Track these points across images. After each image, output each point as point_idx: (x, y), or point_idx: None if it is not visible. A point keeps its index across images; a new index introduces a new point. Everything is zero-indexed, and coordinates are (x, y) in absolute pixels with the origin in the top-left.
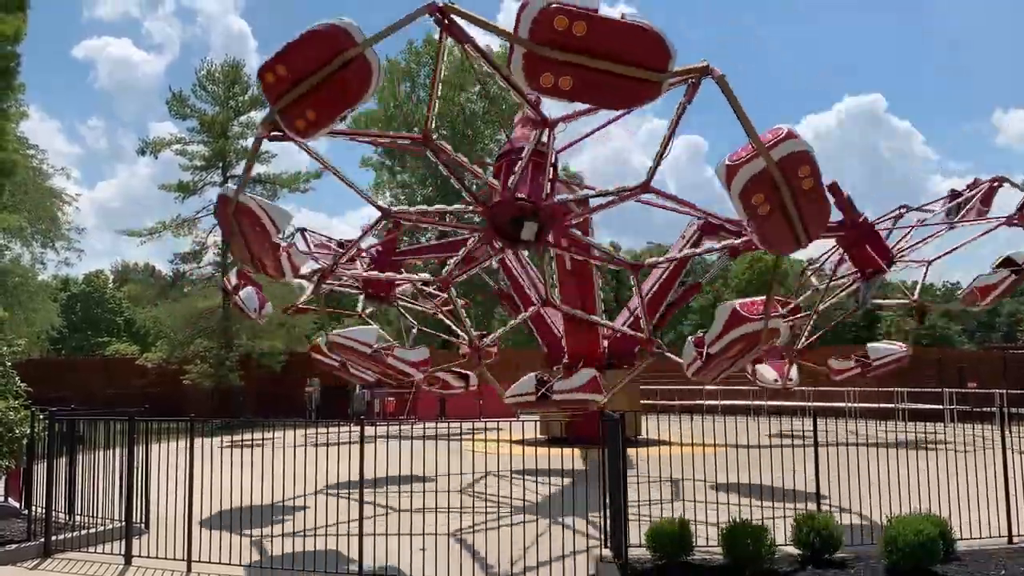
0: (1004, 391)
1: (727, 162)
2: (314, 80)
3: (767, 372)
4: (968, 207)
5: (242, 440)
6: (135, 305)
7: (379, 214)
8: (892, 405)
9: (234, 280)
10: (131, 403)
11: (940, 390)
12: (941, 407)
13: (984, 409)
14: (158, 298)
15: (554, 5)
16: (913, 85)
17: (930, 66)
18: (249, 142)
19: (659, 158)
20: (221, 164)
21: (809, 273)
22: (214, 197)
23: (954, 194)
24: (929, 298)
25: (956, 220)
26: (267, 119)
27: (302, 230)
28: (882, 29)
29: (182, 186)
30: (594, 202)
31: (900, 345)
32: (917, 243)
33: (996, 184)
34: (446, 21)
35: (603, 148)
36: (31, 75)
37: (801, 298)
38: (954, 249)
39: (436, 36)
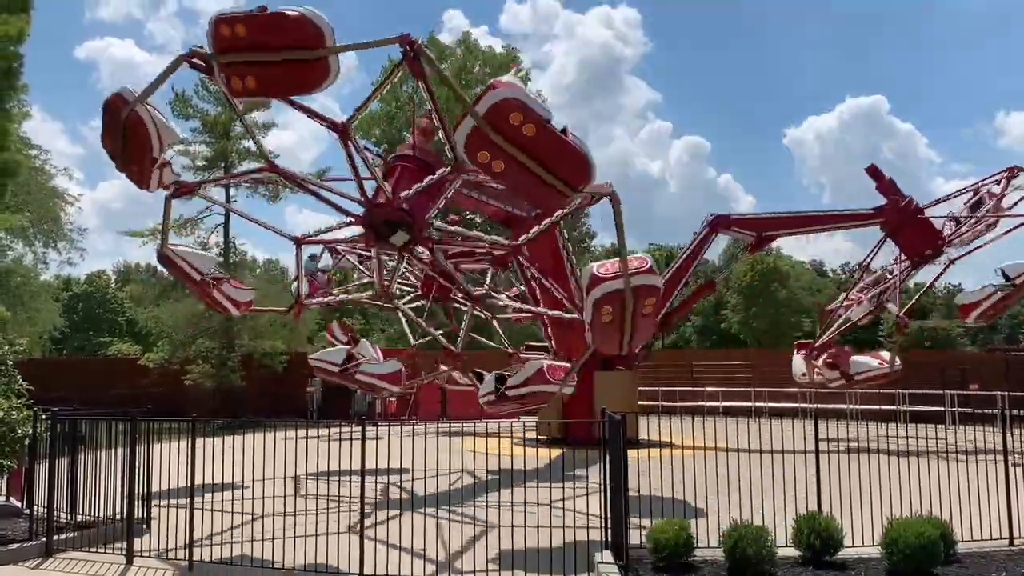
0: (1006, 393)
1: (594, 272)
2: (269, 57)
3: (798, 366)
4: (992, 203)
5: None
6: (137, 305)
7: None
8: (894, 407)
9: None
10: (133, 403)
11: (942, 392)
12: (943, 409)
13: (985, 411)
14: (159, 298)
15: (515, 100)
16: (916, 87)
17: (933, 68)
18: (251, 143)
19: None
20: (223, 164)
21: (857, 275)
22: (216, 197)
23: (976, 191)
24: (929, 300)
25: (983, 215)
26: (195, 53)
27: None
28: (885, 30)
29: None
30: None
31: (882, 362)
32: (976, 225)
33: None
34: (412, 55)
35: (606, 151)
36: (34, 76)
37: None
38: (975, 248)
39: (439, 37)
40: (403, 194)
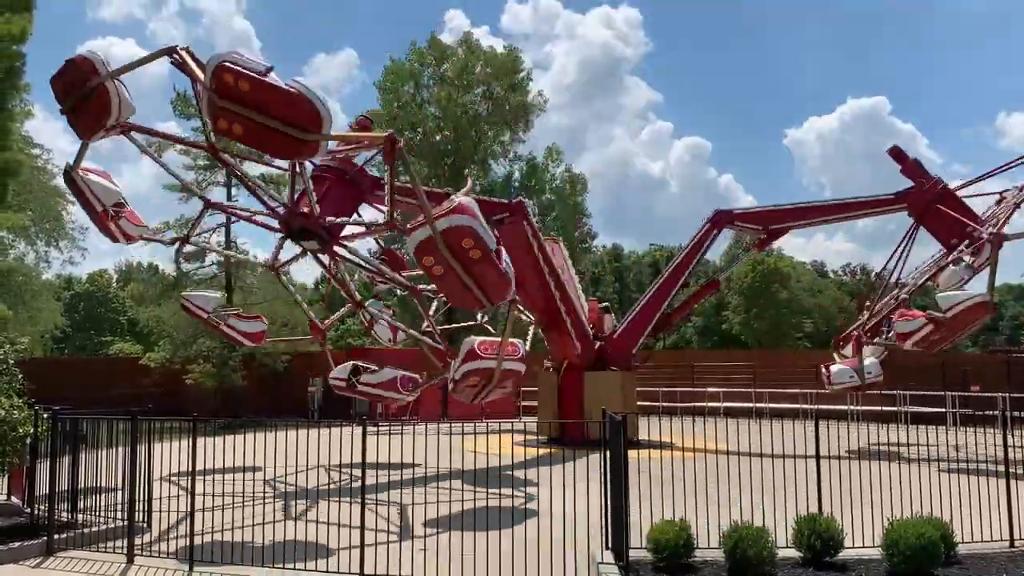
0: (1007, 395)
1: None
2: (263, 120)
3: (840, 374)
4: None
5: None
6: (138, 305)
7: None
8: (895, 409)
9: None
10: (134, 403)
11: (943, 394)
12: (944, 411)
13: (986, 413)
14: (161, 298)
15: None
16: (917, 87)
17: (933, 68)
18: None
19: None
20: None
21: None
22: (218, 197)
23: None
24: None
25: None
26: (180, 53)
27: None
28: (886, 31)
29: (186, 187)
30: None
31: (852, 376)
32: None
33: None
34: (390, 150)
35: (606, 151)
36: (35, 75)
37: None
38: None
39: (440, 37)
40: (328, 219)
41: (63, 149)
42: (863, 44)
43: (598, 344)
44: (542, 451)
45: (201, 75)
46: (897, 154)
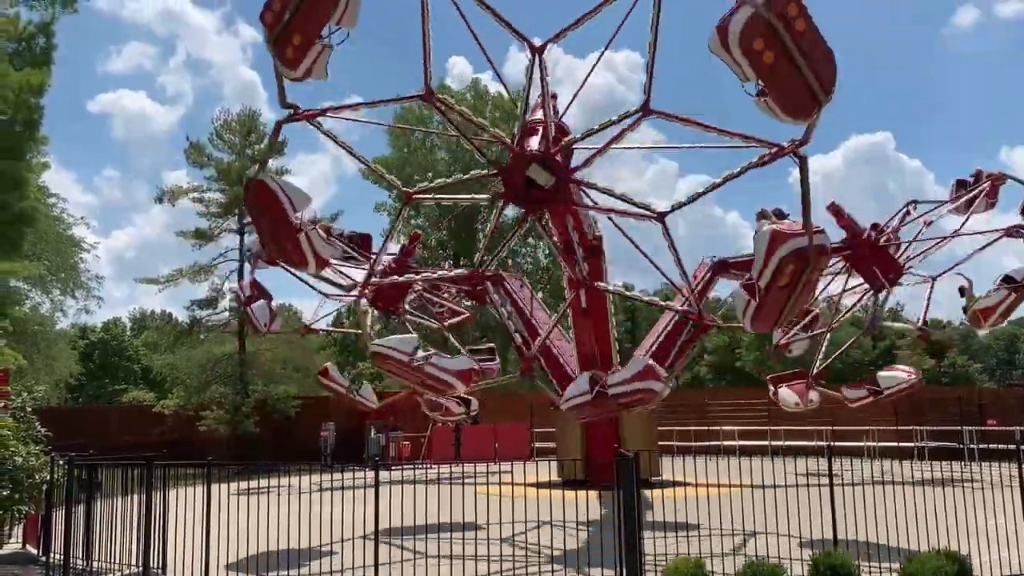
0: None
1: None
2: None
3: (788, 396)
4: (975, 200)
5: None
6: (152, 352)
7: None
8: (911, 444)
9: (247, 291)
10: (148, 451)
11: (960, 428)
12: (961, 445)
13: (1002, 447)
14: (174, 345)
15: None
16: (922, 124)
17: (937, 104)
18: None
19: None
20: (238, 211)
21: (819, 297)
22: (230, 244)
23: (961, 183)
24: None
25: (959, 205)
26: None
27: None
28: (889, 68)
29: (199, 233)
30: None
31: (909, 372)
32: (929, 248)
33: (998, 181)
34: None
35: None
36: (49, 127)
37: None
38: (959, 263)
39: (448, 82)
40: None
41: (76, 200)
42: (865, 79)
43: None
44: (557, 492)
45: None
46: (835, 209)
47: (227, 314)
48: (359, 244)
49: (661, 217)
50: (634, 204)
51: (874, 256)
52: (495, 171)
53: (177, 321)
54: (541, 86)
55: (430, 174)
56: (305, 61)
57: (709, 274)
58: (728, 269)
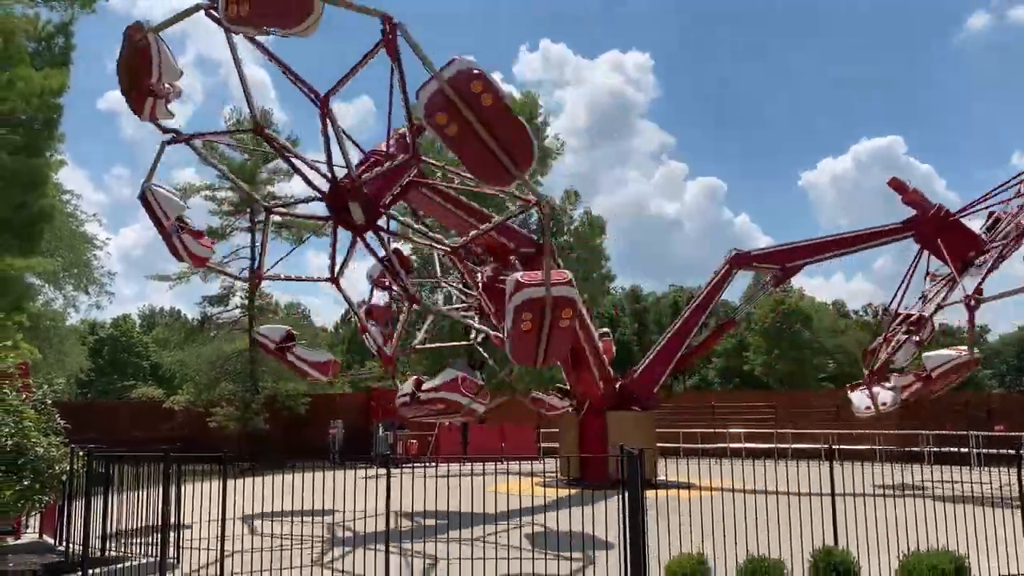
0: None
1: (517, 278)
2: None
3: (859, 401)
4: (1010, 231)
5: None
6: (162, 349)
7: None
8: (917, 448)
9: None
10: (158, 446)
11: (966, 433)
12: (967, 450)
13: (1004, 451)
14: (185, 342)
15: (478, 71)
16: (933, 128)
17: (948, 109)
18: (277, 188)
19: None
20: (249, 209)
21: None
22: (242, 242)
23: (993, 217)
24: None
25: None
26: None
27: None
28: (901, 72)
29: (211, 231)
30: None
31: (959, 350)
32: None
33: None
34: (390, 35)
35: (623, 193)
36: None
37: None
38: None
39: None
40: (364, 177)
41: (87, 198)
42: (876, 82)
43: (619, 383)
44: (563, 491)
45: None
46: (898, 185)
47: (238, 311)
48: None
49: (454, 251)
50: (430, 238)
51: (945, 233)
52: (321, 196)
53: (186, 318)
54: (333, 131)
55: (439, 174)
56: (146, 108)
57: (726, 266)
58: (751, 262)
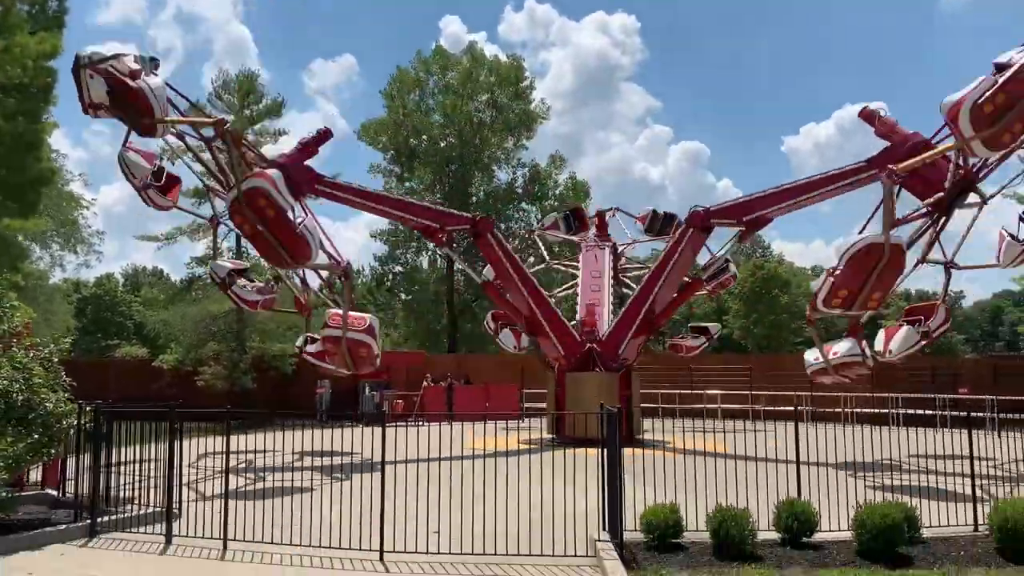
0: (994, 397)
1: (327, 319)
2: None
3: (809, 355)
4: None
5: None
6: (149, 309)
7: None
8: (886, 411)
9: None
10: (146, 404)
11: (933, 396)
12: (934, 413)
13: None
14: (171, 302)
15: (264, 189)
16: (915, 93)
17: (931, 74)
18: (265, 148)
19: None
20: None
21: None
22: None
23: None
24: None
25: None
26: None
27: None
28: (884, 38)
29: (197, 192)
30: None
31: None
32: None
33: None
34: (222, 135)
35: (606, 156)
36: None
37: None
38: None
39: (444, 45)
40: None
41: (78, 158)
42: (859, 49)
43: (588, 346)
44: (545, 446)
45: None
46: (868, 115)
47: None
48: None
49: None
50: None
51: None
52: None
53: (169, 278)
54: (230, 154)
55: (425, 137)
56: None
57: (681, 227)
58: (709, 218)
